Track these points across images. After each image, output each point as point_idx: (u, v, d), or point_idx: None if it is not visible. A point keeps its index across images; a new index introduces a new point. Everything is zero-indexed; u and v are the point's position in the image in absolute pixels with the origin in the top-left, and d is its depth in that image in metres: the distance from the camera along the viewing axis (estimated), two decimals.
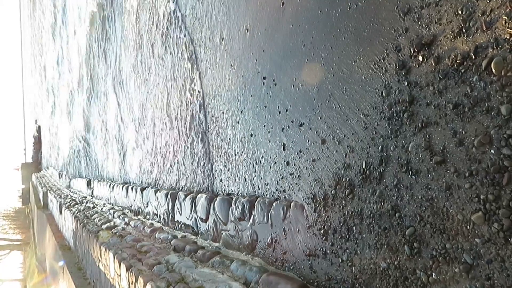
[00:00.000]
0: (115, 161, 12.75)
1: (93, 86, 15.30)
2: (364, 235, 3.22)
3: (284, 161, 4.38)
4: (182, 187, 7.59)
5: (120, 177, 12.31)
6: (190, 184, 7.14)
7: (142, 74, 10.15)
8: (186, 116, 7.42)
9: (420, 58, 2.76)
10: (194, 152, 7.03)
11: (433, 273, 2.61)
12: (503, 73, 2.22)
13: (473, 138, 2.39)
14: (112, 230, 8.82)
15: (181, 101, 7.64)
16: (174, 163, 8.07)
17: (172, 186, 8.11)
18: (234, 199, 5.34)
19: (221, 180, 6.06)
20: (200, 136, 6.82)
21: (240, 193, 5.42)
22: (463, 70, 2.47)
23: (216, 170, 6.22)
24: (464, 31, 2.47)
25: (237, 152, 5.52)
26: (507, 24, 2.22)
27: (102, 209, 12.41)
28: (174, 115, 8.05)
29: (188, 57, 7.28)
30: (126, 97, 11.74)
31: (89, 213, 11.96)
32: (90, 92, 16.04)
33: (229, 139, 5.78)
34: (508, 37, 2.22)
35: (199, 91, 6.86)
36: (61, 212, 15.15)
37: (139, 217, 9.71)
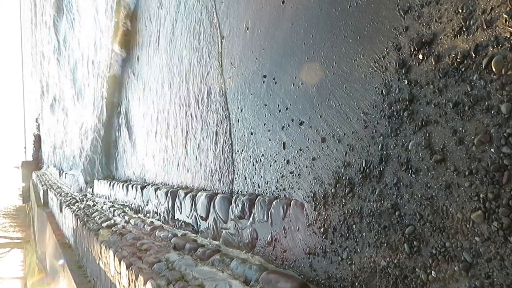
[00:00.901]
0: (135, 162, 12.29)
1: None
2: (364, 234, 3.22)
3: (284, 160, 4.38)
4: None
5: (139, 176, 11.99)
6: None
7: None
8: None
9: (421, 56, 2.76)
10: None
11: (433, 272, 2.62)
12: (503, 72, 2.22)
13: (473, 137, 2.40)
14: (112, 228, 8.83)
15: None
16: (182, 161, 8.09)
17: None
18: (234, 197, 5.34)
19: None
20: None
21: (240, 191, 5.43)
22: (463, 69, 2.47)
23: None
24: (464, 29, 2.47)
25: (238, 151, 5.52)
26: (507, 22, 2.22)
27: (102, 207, 12.42)
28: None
29: None
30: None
31: (89, 211, 11.97)
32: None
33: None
34: (508, 36, 2.22)
35: None
36: (61, 210, 15.17)
37: (139, 215, 9.72)
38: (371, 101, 3.20)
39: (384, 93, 3.06)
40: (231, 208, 5.35)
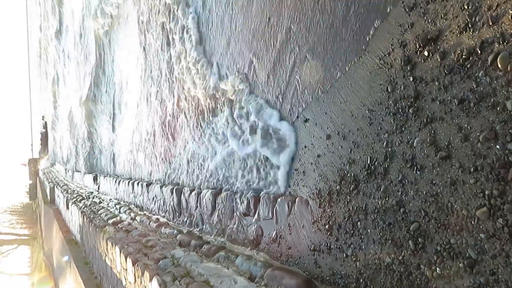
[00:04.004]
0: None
1: None
2: (368, 230, 3.23)
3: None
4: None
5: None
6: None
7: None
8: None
9: (426, 53, 2.76)
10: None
11: (437, 268, 2.62)
12: (509, 68, 2.21)
13: (478, 134, 2.39)
14: (118, 225, 8.89)
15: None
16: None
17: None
18: (239, 194, 5.37)
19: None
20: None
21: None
22: (468, 65, 2.46)
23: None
24: (470, 26, 2.47)
25: None
26: None
27: (108, 204, 12.51)
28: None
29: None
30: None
31: (95, 208, 12.05)
32: None
33: None
34: None
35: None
36: (68, 207, 15.29)
37: (145, 212, 9.77)
38: (376, 98, 3.20)
39: (389, 90, 3.06)
40: (236, 205, 5.37)
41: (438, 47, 2.67)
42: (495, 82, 2.30)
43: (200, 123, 6.79)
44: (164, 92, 8.65)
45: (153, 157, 9.65)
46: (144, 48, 9.99)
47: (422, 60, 2.79)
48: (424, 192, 2.75)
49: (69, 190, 18.65)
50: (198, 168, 6.97)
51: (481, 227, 2.37)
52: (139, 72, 10.52)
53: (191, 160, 7.30)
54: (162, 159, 8.96)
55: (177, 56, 7.80)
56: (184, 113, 7.53)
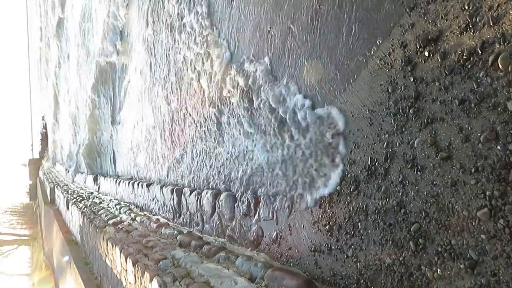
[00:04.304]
0: None
1: None
2: (369, 231, 3.22)
3: None
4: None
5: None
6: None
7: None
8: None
9: (426, 53, 2.75)
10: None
11: (438, 269, 2.62)
12: (509, 69, 2.21)
13: (479, 134, 2.39)
14: (119, 226, 8.89)
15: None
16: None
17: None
18: (239, 195, 5.36)
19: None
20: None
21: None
22: (469, 66, 2.46)
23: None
24: (470, 26, 2.46)
25: None
26: None
27: (108, 204, 12.51)
28: None
29: None
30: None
31: (95, 208, 12.05)
32: None
33: None
34: None
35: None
36: (68, 208, 15.29)
37: (145, 212, 9.77)
38: (377, 99, 3.19)
39: (389, 91, 3.06)
40: (236, 205, 5.37)
41: (439, 47, 2.67)
42: (495, 82, 2.30)
43: (207, 120, 6.66)
44: (168, 86, 8.45)
45: (154, 156, 9.65)
46: (147, 39, 9.80)
47: (423, 61, 2.79)
48: (425, 193, 2.74)
49: (69, 191, 18.64)
50: (201, 168, 6.95)
51: (482, 228, 2.36)
52: (141, 67, 10.45)
53: (193, 160, 7.29)
54: (164, 158, 8.95)
55: (183, 45, 7.41)
56: (189, 109, 7.41)
